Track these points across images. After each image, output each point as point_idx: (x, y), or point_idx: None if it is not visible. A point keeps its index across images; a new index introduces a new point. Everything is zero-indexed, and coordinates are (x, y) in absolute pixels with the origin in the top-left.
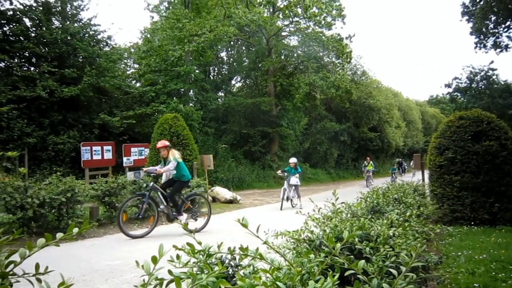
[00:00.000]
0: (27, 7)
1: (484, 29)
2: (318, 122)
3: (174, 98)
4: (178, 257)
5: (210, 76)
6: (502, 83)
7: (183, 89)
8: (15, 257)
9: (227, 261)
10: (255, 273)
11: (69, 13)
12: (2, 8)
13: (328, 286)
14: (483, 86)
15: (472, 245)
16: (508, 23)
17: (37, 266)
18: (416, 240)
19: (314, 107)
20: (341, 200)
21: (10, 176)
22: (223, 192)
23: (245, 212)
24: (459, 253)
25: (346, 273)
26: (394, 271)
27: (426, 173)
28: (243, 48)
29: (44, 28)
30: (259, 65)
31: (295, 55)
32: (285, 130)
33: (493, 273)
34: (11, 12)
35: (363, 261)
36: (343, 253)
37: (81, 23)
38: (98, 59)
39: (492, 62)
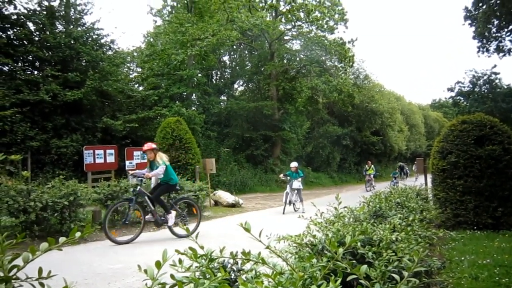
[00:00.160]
0: (31, 12)
1: (487, 33)
2: (321, 126)
3: (177, 102)
4: (180, 261)
5: (213, 80)
6: (505, 87)
7: (185, 93)
8: (18, 261)
9: (229, 265)
10: (257, 278)
11: (73, 17)
12: (6, 13)
13: None
14: (486, 90)
15: (475, 250)
16: (511, 27)
17: (40, 270)
18: (419, 245)
19: (317, 111)
20: (344, 204)
21: (13, 179)
22: (225, 196)
23: (247, 216)
24: (462, 258)
25: (349, 278)
26: (396, 276)
27: (429, 177)
28: (246, 52)
29: (47, 32)
30: (262, 69)
31: (298, 59)
32: (288, 134)
33: (497, 278)
34: (15, 17)
35: (365, 266)
36: (346, 258)
37: (84, 27)
38: (101, 63)
39: (495, 66)
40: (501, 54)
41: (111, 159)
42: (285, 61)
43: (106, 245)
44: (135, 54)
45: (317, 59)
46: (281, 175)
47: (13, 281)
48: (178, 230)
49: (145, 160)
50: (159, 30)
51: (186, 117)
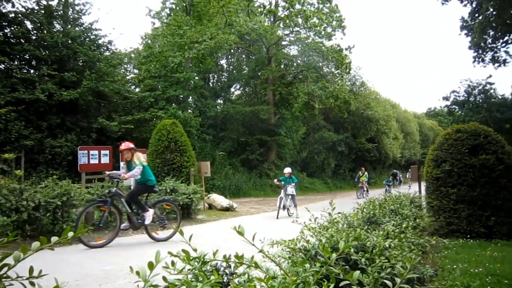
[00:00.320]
0: (29, 10)
1: (482, 44)
2: (316, 132)
3: (173, 104)
4: (173, 263)
5: (210, 83)
6: (500, 97)
7: (182, 96)
8: (9, 260)
9: (222, 268)
10: (250, 282)
11: (71, 17)
12: (4, 11)
13: None
14: (480, 100)
15: (468, 258)
16: (506, 38)
17: (31, 269)
18: (412, 252)
19: (313, 117)
20: (338, 210)
21: (6, 178)
22: (219, 200)
23: (241, 220)
24: (455, 266)
25: (341, 284)
26: (389, 283)
27: (423, 185)
28: (243, 56)
29: (45, 31)
30: (259, 74)
31: (295, 64)
32: (283, 139)
33: (489, 287)
34: (12, 15)
35: (358, 272)
36: (339, 264)
37: (82, 27)
38: (98, 64)
39: (490, 76)
40: (496, 65)
41: (105, 160)
42: (282, 66)
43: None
44: (132, 55)
45: (314, 65)
46: (275, 180)
47: (3, 279)
48: (163, 233)
49: None
50: (157, 32)
51: (182, 120)
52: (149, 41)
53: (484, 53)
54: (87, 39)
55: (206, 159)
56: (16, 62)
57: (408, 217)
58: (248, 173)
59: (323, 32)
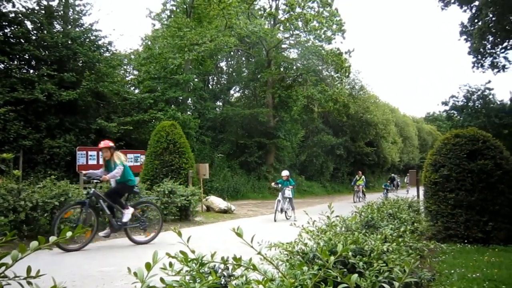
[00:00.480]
0: (29, 10)
1: (482, 49)
2: (315, 135)
3: (172, 105)
4: (171, 265)
5: (209, 85)
6: (498, 102)
7: (181, 97)
8: (7, 260)
9: (220, 270)
10: (247, 284)
11: (71, 17)
12: (4, 10)
13: None
14: (479, 105)
15: (465, 264)
16: (505, 44)
17: (28, 269)
18: (410, 256)
19: (312, 120)
20: (336, 214)
21: (4, 178)
22: (217, 202)
23: (239, 222)
24: (452, 271)
25: (339, 287)
26: (387, 286)
27: (421, 189)
28: (243, 58)
29: (45, 32)
30: (258, 76)
31: (294, 67)
32: (282, 142)
33: None
34: (13, 15)
35: (356, 275)
36: (336, 267)
37: (82, 28)
38: (98, 64)
39: (489, 81)
40: (495, 70)
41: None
42: (281, 69)
43: (96, 248)
44: (132, 56)
45: (313, 68)
46: (273, 184)
47: (0, 279)
48: (137, 237)
49: (138, 163)
50: (157, 34)
51: (181, 121)
52: (149, 43)
53: (483, 58)
54: (87, 39)
55: (204, 161)
56: (15, 62)
57: (406, 221)
58: (247, 175)
59: (323, 36)
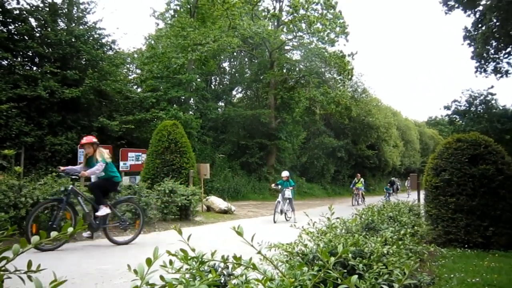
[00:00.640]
0: (34, 7)
1: (485, 54)
2: (317, 137)
3: (174, 105)
4: (171, 262)
5: (212, 85)
6: (501, 108)
7: (183, 97)
8: (8, 254)
9: (219, 269)
10: (247, 283)
11: (75, 15)
12: (9, 7)
13: None
14: (481, 110)
15: (465, 268)
16: (508, 49)
17: (29, 263)
18: (410, 259)
19: (313, 122)
20: (336, 216)
21: (5, 174)
22: (218, 202)
23: (239, 223)
24: (452, 276)
25: None
26: None
27: (422, 193)
28: (246, 59)
29: (49, 29)
30: (261, 77)
31: (297, 69)
32: (283, 143)
33: None
34: (17, 11)
35: (356, 277)
36: (336, 268)
37: (86, 26)
38: (101, 63)
39: (492, 87)
40: (498, 75)
41: None
42: (284, 71)
43: (95, 245)
44: (135, 55)
45: (316, 70)
46: (273, 185)
47: (1, 272)
48: (117, 237)
49: (139, 162)
50: (160, 33)
51: (183, 121)
52: (153, 42)
53: (487, 63)
54: (91, 38)
55: (205, 161)
56: (19, 59)
57: (407, 224)
58: (247, 176)
59: (326, 38)
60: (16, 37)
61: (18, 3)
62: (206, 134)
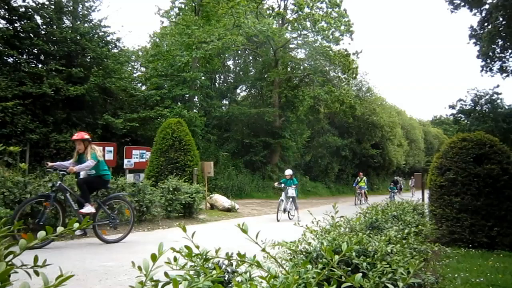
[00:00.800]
0: (39, 5)
1: (491, 53)
2: (321, 136)
3: (179, 103)
4: (175, 259)
5: (216, 83)
6: (506, 107)
7: (188, 95)
8: (14, 249)
9: (224, 266)
10: (251, 280)
11: (80, 13)
12: (15, 5)
13: None
14: (487, 110)
15: (469, 268)
16: None
17: (35, 258)
18: (414, 258)
19: (318, 121)
20: (340, 215)
21: (10, 171)
22: (221, 200)
23: (242, 221)
24: (456, 275)
25: (343, 286)
26: (391, 287)
27: (426, 192)
28: (250, 58)
29: (54, 27)
30: (265, 76)
31: (302, 67)
32: (287, 142)
33: None
34: (23, 9)
35: (360, 275)
36: (340, 267)
37: (91, 24)
38: (106, 60)
39: (497, 86)
40: (504, 75)
41: (109, 156)
42: (289, 69)
43: (99, 242)
44: (140, 53)
45: (321, 69)
46: (276, 184)
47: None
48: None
49: (144, 160)
50: (165, 31)
51: (187, 119)
52: (157, 40)
53: (492, 62)
54: (96, 35)
55: (209, 159)
56: (24, 56)
57: (411, 224)
58: (251, 174)
59: (331, 37)
60: (21, 34)
61: (23, 0)
62: (210, 132)
